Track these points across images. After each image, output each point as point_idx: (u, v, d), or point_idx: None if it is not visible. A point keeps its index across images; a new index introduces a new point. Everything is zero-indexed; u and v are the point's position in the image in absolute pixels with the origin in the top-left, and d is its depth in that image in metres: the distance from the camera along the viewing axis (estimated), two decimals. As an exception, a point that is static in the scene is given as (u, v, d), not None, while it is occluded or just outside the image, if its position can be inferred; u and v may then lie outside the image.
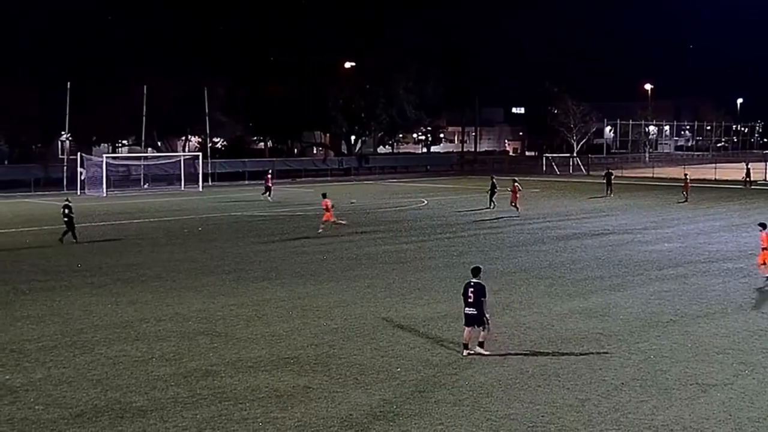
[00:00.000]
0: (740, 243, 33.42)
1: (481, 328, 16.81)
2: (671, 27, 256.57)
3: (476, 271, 17.34)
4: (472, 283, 16.98)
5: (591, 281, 25.01)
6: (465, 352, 16.80)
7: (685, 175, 56.34)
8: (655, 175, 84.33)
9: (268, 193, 56.08)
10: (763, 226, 24.75)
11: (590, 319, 19.94)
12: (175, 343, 17.75)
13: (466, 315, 16.89)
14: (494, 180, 49.42)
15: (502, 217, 43.46)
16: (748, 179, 69.43)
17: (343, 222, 38.07)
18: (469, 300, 16.83)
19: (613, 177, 59.08)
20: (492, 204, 48.01)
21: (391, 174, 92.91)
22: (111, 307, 21.42)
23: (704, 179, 76.83)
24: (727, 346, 17.55)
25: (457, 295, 22.80)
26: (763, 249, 24.42)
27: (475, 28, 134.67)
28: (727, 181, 75.22)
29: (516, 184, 46.52)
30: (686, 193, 54.35)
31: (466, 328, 16.92)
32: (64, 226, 34.55)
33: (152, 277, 25.83)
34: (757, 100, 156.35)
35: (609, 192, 57.54)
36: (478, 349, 16.80)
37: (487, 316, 16.84)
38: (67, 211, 34.39)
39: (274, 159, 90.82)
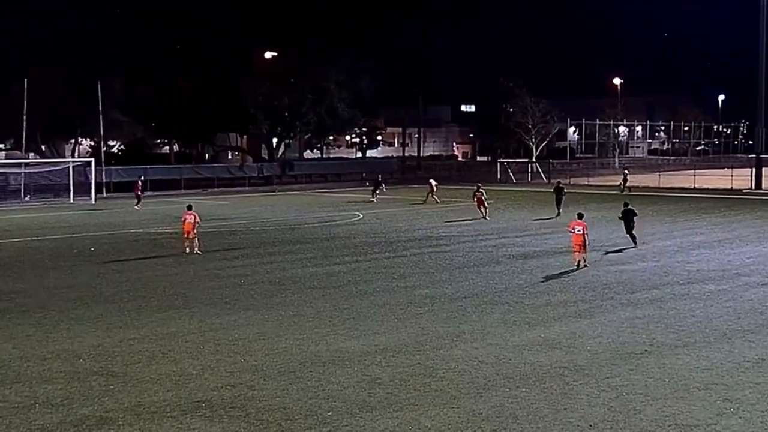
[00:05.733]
0: (723, 261, 34.03)
1: None
2: (643, 13, 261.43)
3: None
4: None
5: (553, 307, 25.21)
6: None
7: (478, 185, 55.49)
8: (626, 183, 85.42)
9: (137, 202, 57.63)
10: (580, 216, 33.05)
11: (553, 350, 20.09)
12: (63, 386, 17.46)
13: None
14: (560, 184, 54.96)
15: (450, 234, 43.69)
16: (624, 185, 75.39)
17: (198, 252, 36.73)
18: None
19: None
20: (559, 212, 51.75)
21: (320, 183, 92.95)
22: (-15, 343, 20.99)
23: (682, 188, 78.34)
24: (709, 380, 17.81)
25: (399, 324, 22.93)
26: (571, 231, 32.41)
27: (417, 15, 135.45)
28: (708, 190, 76.69)
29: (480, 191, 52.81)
30: (483, 210, 52.45)
31: None
32: None
33: (35, 307, 25.37)
34: (741, 97, 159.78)
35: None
36: None
37: None
38: None
39: (182, 165, 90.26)
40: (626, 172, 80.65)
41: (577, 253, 32.31)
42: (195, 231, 37.30)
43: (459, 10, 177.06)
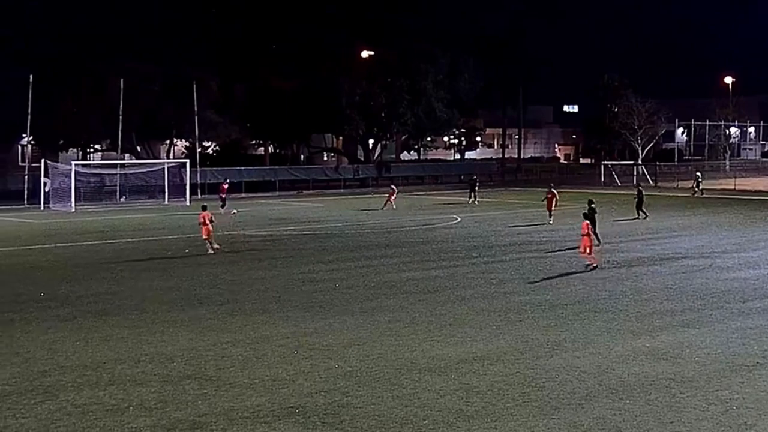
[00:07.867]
0: (842, 270, 33.21)
1: None
2: (756, 8, 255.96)
3: None
4: None
5: (659, 315, 24.87)
6: None
7: (550, 185, 54.82)
8: (737, 187, 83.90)
9: (222, 204, 58.22)
10: (584, 216, 34.85)
11: (659, 361, 19.81)
12: (156, 389, 17.77)
13: None
14: (640, 186, 56.96)
15: (551, 239, 43.35)
16: (697, 188, 77.16)
17: (216, 247, 38.70)
18: None
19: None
20: (643, 214, 52.89)
21: (418, 185, 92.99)
22: (80, 344, 21.47)
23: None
24: (826, 395, 17.40)
25: (497, 331, 22.82)
26: (583, 236, 32.90)
27: (518, 11, 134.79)
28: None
29: (552, 190, 52.88)
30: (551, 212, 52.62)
31: None
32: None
33: (129, 309, 25.87)
34: None
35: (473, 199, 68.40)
36: None
37: None
38: None
39: (277, 167, 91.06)
40: (698, 174, 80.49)
41: (591, 254, 33.45)
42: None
43: (562, 7, 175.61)
